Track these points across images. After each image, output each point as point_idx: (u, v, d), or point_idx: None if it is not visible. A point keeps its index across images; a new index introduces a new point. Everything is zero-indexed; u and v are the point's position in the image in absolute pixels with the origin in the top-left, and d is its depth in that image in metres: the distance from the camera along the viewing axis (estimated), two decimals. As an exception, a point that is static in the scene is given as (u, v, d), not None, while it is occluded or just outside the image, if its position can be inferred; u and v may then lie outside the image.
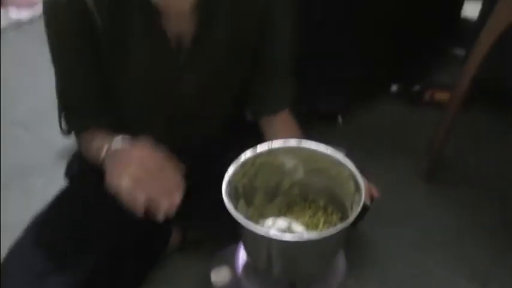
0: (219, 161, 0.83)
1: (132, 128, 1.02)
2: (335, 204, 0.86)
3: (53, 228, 0.93)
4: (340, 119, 1.72)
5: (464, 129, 1.47)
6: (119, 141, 0.85)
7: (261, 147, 0.83)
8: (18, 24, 2.48)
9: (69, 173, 1.09)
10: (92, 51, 0.88)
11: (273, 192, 0.89)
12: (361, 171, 0.79)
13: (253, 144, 0.85)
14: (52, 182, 1.14)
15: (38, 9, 2.53)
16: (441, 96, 1.75)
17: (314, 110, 1.65)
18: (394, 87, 1.82)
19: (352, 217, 0.72)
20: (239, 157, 0.82)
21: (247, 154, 0.82)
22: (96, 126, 0.95)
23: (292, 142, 0.85)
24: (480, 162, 1.52)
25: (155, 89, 0.94)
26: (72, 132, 0.99)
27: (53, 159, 1.58)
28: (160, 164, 0.80)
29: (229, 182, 0.78)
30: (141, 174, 0.77)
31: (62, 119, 0.97)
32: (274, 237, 0.72)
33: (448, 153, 1.42)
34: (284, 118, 1.04)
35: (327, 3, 1.41)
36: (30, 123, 1.78)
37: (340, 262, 0.91)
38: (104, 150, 0.86)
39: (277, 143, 0.84)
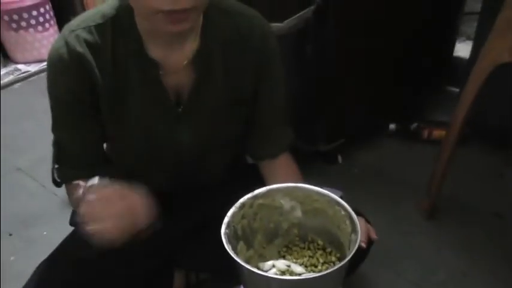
0: (220, 203, 0.85)
1: (132, 177, 1.05)
2: (333, 244, 0.87)
3: (56, 279, 0.93)
4: (340, 159, 1.75)
5: (461, 165, 1.49)
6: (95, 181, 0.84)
7: (259, 190, 0.85)
8: (26, 76, 2.56)
9: (73, 220, 1.11)
10: (90, 106, 0.90)
11: (272, 233, 0.90)
12: (356, 212, 0.80)
13: (255, 185, 0.87)
14: (56, 231, 1.15)
15: (45, 62, 2.62)
16: (439, 133, 1.78)
17: (314, 150, 1.68)
18: (392, 126, 1.86)
19: (348, 257, 0.73)
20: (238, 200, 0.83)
21: (246, 196, 0.84)
22: (87, 177, 0.90)
23: (289, 184, 0.87)
24: (478, 198, 1.53)
25: (154, 139, 0.96)
26: (63, 184, 0.98)
27: (57, 208, 1.60)
28: (121, 192, 0.78)
29: (228, 224, 0.80)
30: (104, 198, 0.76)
31: (55, 170, 0.98)
32: (273, 278, 0.73)
33: (446, 190, 1.44)
34: (284, 161, 1.05)
35: (324, 43, 1.46)
36: (36, 172, 1.81)
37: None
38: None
39: (274, 185, 0.87)
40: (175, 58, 0.88)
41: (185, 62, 0.89)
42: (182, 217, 1.10)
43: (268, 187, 0.86)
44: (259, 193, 0.85)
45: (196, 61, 0.89)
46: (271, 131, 1.04)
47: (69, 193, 0.98)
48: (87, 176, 0.88)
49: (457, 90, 1.85)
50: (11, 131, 2.08)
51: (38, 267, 0.98)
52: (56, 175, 0.98)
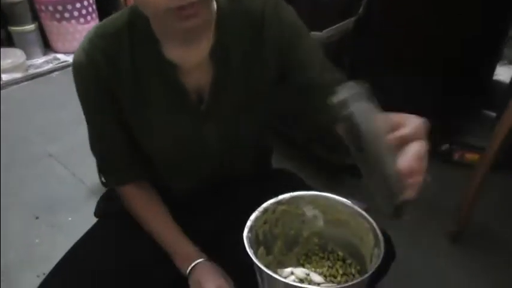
0: (238, 211, 0.83)
1: (164, 177, 1.04)
2: (354, 256, 0.86)
3: (79, 270, 0.94)
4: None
5: (492, 191, 1.45)
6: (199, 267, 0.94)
7: (283, 195, 0.85)
8: (64, 66, 2.62)
9: (97, 213, 1.12)
10: (116, 110, 0.92)
11: (293, 241, 0.89)
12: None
13: (279, 189, 0.86)
14: (80, 219, 1.17)
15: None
16: (471, 157, 1.73)
17: (341, 162, 1.66)
18: (422, 145, 1.82)
19: (370, 271, 0.72)
20: (262, 204, 0.83)
21: (269, 201, 0.84)
22: (128, 181, 1.00)
23: (314, 192, 0.86)
24: (507, 226, 1.49)
25: (181, 140, 0.96)
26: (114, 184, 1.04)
27: (84, 196, 1.63)
28: None
29: (251, 228, 0.79)
30: None
31: (100, 176, 1.03)
32: (293, 286, 0.73)
33: (474, 214, 1.40)
34: None
35: (361, 55, 1.44)
36: (67, 159, 1.84)
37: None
38: (187, 268, 0.94)
39: (298, 192, 0.86)
40: (193, 56, 0.87)
41: (202, 59, 0.88)
42: (201, 222, 1.10)
43: (292, 193, 0.86)
44: (283, 199, 0.85)
45: (214, 56, 0.88)
46: (327, 77, 0.91)
47: (122, 197, 1.02)
48: (127, 179, 0.99)
49: (494, 114, 1.81)
50: (46, 118, 2.14)
51: (62, 259, 0.97)
52: (102, 180, 1.03)
